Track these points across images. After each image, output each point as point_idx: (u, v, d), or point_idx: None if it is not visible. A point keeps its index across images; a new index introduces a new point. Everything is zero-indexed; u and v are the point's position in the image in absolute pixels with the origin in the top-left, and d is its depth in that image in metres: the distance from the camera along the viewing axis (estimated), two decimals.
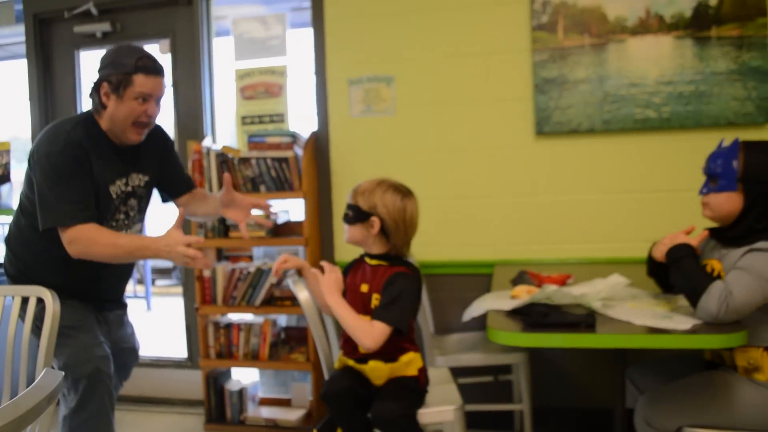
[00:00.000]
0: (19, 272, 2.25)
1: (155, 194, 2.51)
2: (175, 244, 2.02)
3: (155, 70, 2.14)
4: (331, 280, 2.11)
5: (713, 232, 2.13)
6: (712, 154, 2.10)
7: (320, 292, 2.22)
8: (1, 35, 4.53)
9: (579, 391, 3.25)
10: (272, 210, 2.52)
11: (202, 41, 3.68)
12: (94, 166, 2.12)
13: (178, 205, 2.52)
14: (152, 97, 2.15)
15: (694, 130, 3.04)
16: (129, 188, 2.27)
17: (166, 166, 2.45)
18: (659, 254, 2.06)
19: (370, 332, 1.98)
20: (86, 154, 2.10)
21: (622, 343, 1.84)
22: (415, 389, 2.11)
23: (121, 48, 2.15)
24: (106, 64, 2.13)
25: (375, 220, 2.06)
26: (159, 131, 2.41)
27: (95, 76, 2.16)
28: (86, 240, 2.05)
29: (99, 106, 2.16)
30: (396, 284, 2.04)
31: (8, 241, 2.29)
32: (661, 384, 2.20)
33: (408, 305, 2.05)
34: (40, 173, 2.07)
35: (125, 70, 2.09)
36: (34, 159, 2.10)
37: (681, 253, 1.96)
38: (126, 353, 2.49)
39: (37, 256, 2.21)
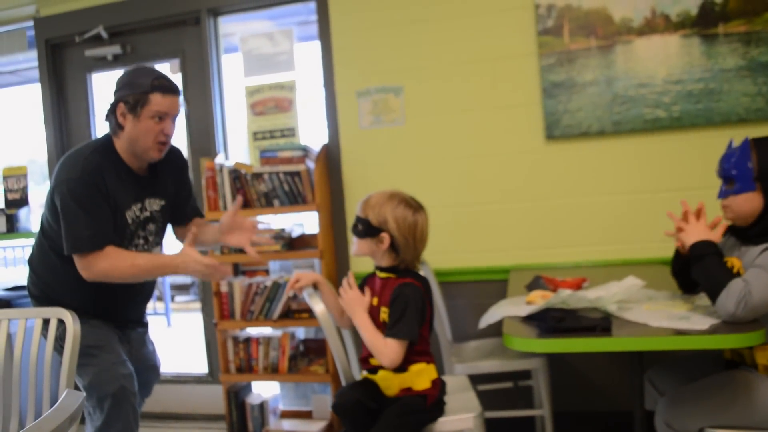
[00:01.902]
0: (41, 292, 2.28)
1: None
2: (190, 258, 2.11)
3: (171, 89, 2.17)
4: (351, 298, 2.10)
5: (732, 230, 2.12)
6: (723, 156, 2.09)
7: (336, 305, 2.23)
8: (15, 61, 4.61)
9: (599, 394, 3.23)
10: (269, 230, 2.48)
11: (211, 59, 3.72)
12: (110, 191, 2.14)
13: (178, 234, 2.55)
14: (168, 116, 2.18)
15: (706, 128, 3.03)
16: (147, 213, 2.30)
17: (179, 192, 2.47)
18: (684, 241, 2.03)
19: (384, 351, 1.99)
20: (104, 180, 2.13)
21: (638, 346, 1.83)
22: (419, 410, 2.05)
23: (137, 69, 2.19)
24: (122, 86, 2.16)
25: (385, 236, 2.03)
26: (177, 154, 2.44)
27: (111, 98, 2.19)
28: (106, 264, 2.09)
29: (116, 127, 2.19)
30: (401, 297, 2.02)
31: (31, 262, 2.33)
32: (681, 385, 2.18)
33: (415, 315, 2.01)
34: (60, 200, 2.11)
35: (142, 90, 2.12)
36: (54, 185, 2.14)
37: (706, 251, 1.94)
38: (148, 371, 2.51)
39: (59, 277, 2.25)
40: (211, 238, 2.50)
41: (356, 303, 2.09)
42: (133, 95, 2.12)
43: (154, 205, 2.32)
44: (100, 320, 2.24)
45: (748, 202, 2.01)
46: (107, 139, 2.23)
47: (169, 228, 2.51)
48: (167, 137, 2.21)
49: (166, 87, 2.16)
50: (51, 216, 2.19)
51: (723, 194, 2.07)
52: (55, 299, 2.17)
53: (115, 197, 2.17)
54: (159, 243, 2.43)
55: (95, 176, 2.11)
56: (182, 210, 2.50)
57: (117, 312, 2.33)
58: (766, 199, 1.98)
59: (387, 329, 2.02)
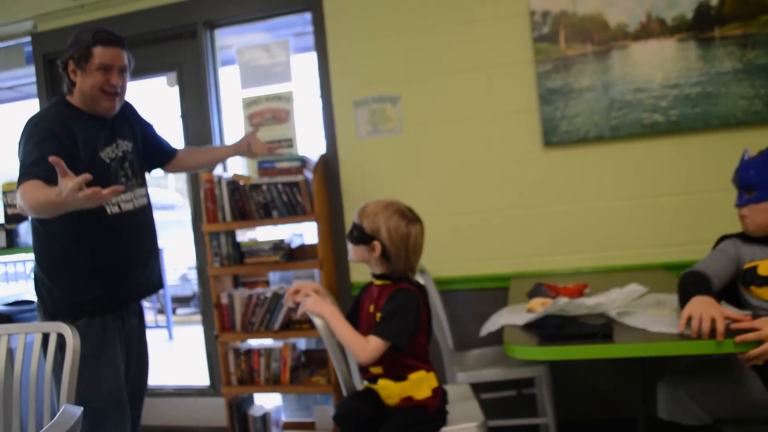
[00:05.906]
0: (49, 280, 2.25)
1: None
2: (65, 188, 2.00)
3: (112, 41, 2.27)
4: (314, 300, 2.10)
5: (751, 238, 2.10)
6: (742, 165, 2.09)
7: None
8: (13, 77, 4.62)
9: (603, 401, 3.21)
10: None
11: (208, 72, 3.73)
12: (79, 136, 2.19)
13: (168, 170, 2.74)
14: (113, 67, 2.27)
15: (704, 132, 3.03)
16: (120, 152, 2.37)
17: (148, 136, 2.58)
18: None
19: (365, 347, 1.98)
20: (69, 127, 2.18)
21: (639, 352, 1.81)
22: (420, 421, 2.04)
23: (81, 27, 2.32)
24: (69, 45, 2.28)
25: (376, 244, 2.04)
26: (130, 108, 2.53)
27: (63, 58, 2.29)
28: (23, 190, 2.06)
29: (70, 84, 2.29)
30: (394, 300, 2.02)
31: (36, 253, 2.30)
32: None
33: (406, 320, 2.01)
34: (19, 146, 2.16)
35: (85, 45, 2.23)
36: (19, 144, 2.19)
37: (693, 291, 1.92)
38: (142, 376, 2.50)
39: (64, 252, 2.25)
40: (211, 158, 2.85)
41: (321, 303, 2.09)
42: (78, 51, 2.24)
43: (123, 146, 2.40)
44: (100, 316, 2.24)
45: None
46: (61, 98, 2.32)
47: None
48: (114, 87, 2.29)
49: (107, 39, 2.25)
50: None
51: (743, 202, 2.06)
52: (68, 278, 2.22)
53: (86, 141, 2.22)
54: (141, 184, 2.48)
55: (56, 124, 2.17)
56: (160, 147, 2.64)
57: (128, 274, 2.34)
58: None
59: (373, 328, 2.02)
